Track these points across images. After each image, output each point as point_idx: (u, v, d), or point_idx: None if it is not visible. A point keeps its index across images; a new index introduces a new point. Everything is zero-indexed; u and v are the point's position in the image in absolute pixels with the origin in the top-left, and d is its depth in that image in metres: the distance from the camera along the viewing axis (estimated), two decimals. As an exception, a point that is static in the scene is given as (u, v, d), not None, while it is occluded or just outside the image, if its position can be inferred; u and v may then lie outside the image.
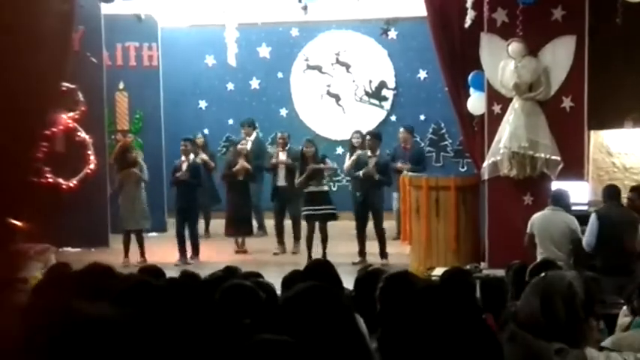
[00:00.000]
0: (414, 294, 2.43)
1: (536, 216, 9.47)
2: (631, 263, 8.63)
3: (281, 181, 13.30)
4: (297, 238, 13.25)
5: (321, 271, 5.29)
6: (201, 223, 13.91)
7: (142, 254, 12.54)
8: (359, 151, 12.74)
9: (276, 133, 14.45)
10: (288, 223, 13.47)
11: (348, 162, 13.06)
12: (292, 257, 12.69)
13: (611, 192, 9.28)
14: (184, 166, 12.62)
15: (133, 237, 12.68)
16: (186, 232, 12.72)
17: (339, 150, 15.79)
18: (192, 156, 12.98)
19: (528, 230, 9.46)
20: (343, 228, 13.34)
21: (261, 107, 16.75)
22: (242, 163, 13.16)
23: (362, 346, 2.46)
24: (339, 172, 14.46)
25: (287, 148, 13.47)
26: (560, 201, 9.43)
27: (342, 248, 12.62)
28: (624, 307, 5.41)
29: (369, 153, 12.37)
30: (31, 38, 11.91)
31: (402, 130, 14.60)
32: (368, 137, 12.84)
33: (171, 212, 14.55)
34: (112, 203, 13.90)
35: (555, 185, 10.51)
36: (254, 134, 14.62)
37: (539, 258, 9.01)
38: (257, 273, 6.25)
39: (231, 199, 13.44)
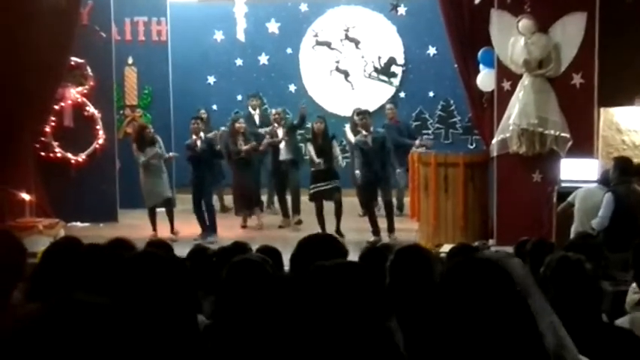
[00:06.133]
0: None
1: (582, 189, 9.38)
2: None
3: (283, 155, 13.32)
4: (296, 211, 13.33)
5: (329, 245, 5.28)
6: None
7: (172, 228, 12.45)
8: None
9: (272, 110, 14.33)
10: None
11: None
12: (297, 232, 12.71)
13: (625, 167, 9.10)
14: (198, 144, 12.42)
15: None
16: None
17: (346, 127, 15.76)
18: (202, 134, 12.68)
19: (570, 199, 9.40)
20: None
21: (269, 83, 16.71)
22: (248, 146, 13.12)
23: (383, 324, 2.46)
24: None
25: (282, 123, 13.53)
26: (606, 180, 9.28)
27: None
28: (633, 284, 5.39)
29: (363, 132, 12.14)
30: (37, 12, 11.94)
31: (390, 105, 14.69)
32: (359, 117, 12.57)
33: (180, 188, 14.58)
34: (121, 178, 13.93)
35: (566, 162, 10.52)
36: (258, 109, 14.60)
37: (573, 230, 8.93)
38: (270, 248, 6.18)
39: (238, 177, 13.44)
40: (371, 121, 12.26)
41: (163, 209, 12.62)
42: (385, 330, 2.21)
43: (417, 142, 13.30)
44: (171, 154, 13.08)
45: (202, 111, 14.59)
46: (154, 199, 12.50)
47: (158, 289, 2.76)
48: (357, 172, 12.19)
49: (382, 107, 15.55)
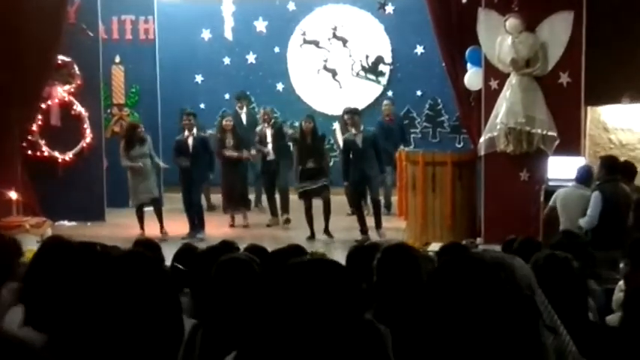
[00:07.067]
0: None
1: (560, 191, 9.39)
2: (626, 238, 8.55)
3: (271, 156, 13.30)
4: (285, 210, 13.31)
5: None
6: None
7: (162, 227, 12.39)
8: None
9: (260, 109, 14.29)
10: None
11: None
12: (285, 231, 12.76)
13: (612, 165, 9.12)
14: (190, 141, 12.39)
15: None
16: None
17: (336, 125, 15.76)
18: (195, 130, 12.61)
19: (551, 203, 9.42)
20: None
21: (257, 82, 16.71)
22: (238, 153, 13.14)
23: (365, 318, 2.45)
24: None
25: (272, 122, 13.50)
26: (582, 178, 9.30)
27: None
28: (620, 282, 5.42)
29: (353, 131, 12.04)
30: (24, 11, 11.90)
31: (387, 102, 14.72)
32: (348, 115, 12.29)
33: (168, 186, 14.55)
34: (109, 177, 13.89)
35: (553, 161, 10.53)
36: (245, 108, 14.65)
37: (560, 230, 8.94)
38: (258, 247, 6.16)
39: (226, 175, 13.43)
40: (360, 119, 12.22)
41: (151, 208, 12.58)
42: (366, 326, 2.21)
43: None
44: (162, 164, 12.99)
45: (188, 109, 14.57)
46: (140, 197, 12.44)
47: (143, 288, 2.75)
48: (346, 183, 12.22)
49: (370, 106, 15.61)
